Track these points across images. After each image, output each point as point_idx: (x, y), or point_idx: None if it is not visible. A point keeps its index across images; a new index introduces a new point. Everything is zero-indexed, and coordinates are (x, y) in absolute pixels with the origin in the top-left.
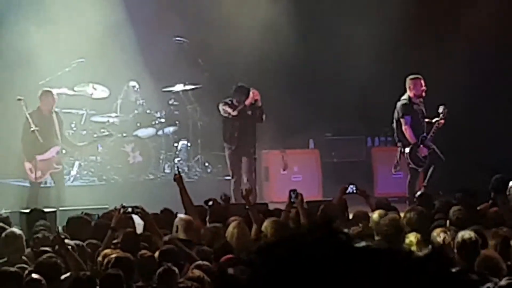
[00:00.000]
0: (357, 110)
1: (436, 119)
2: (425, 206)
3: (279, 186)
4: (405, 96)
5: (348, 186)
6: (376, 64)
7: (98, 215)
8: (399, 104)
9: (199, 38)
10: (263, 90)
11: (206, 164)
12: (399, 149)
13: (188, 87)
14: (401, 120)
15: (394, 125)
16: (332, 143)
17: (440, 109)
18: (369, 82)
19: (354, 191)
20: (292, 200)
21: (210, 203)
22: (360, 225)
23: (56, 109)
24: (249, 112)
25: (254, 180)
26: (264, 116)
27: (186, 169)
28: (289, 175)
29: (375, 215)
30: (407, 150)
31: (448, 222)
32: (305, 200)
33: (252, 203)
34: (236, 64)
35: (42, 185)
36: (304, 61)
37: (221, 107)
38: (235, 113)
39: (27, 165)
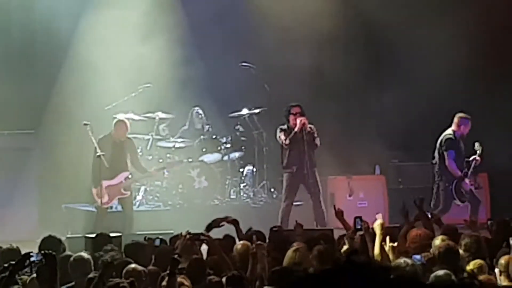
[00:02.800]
0: (424, 135)
1: (473, 156)
2: (500, 233)
3: (345, 212)
4: (449, 131)
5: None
6: (444, 92)
7: (160, 239)
8: (443, 138)
9: (265, 63)
10: (329, 115)
11: (272, 189)
12: (440, 183)
13: (253, 111)
14: (445, 153)
15: (437, 158)
16: (399, 169)
17: (476, 146)
18: (436, 107)
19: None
20: (357, 227)
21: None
22: (431, 251)
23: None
24: (302, 138)
25: (320, 204)
26: (317, 141)
27: (251, 194)
28: (355, 201)
29: (437, 241)
30: (451, 185)
31: None
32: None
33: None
34: (302, 90)
35: (109, 210)
36: (371, 87)
37: (277, 133)
38: (287, 141)
39: (94, 191)
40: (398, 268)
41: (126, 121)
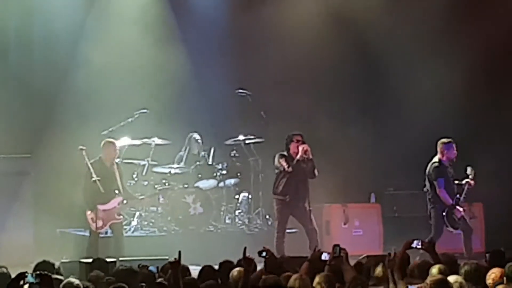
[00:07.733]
0: (420, 164)
1: (466, 180)
2: (496, 263)
3: (340, 240)
4: (435, 159)
5: (413, 241)
6: (438, 119)
7: (158, 267)
8: (431, 167)
9: (262, 90)
10: (325, 143)
11: (267, 216)
12: (432, 210)
13: (250, 139)
14: (435, 183)
15: (428, 187)
16: (394, 198)
17: (469, 170)
18: (432, 136)
19: (419, 246)
20: (335, 255)
21: (264, 254)
22: (427, 281)
23: (118, 160)
24: (303, 166)
25: (315, 230)
26: (316, 171)
27: (246, 221)
28: (350, 229)
29: (434, 270)
30: (444, 213)
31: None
32: (365, 254)
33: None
34: (299, 118)
35: (101, 235)
36: (366, 116)
37: (277, 159)
38: (290, 169)
39: (89, 215)
40: None
41: (114, 141)
